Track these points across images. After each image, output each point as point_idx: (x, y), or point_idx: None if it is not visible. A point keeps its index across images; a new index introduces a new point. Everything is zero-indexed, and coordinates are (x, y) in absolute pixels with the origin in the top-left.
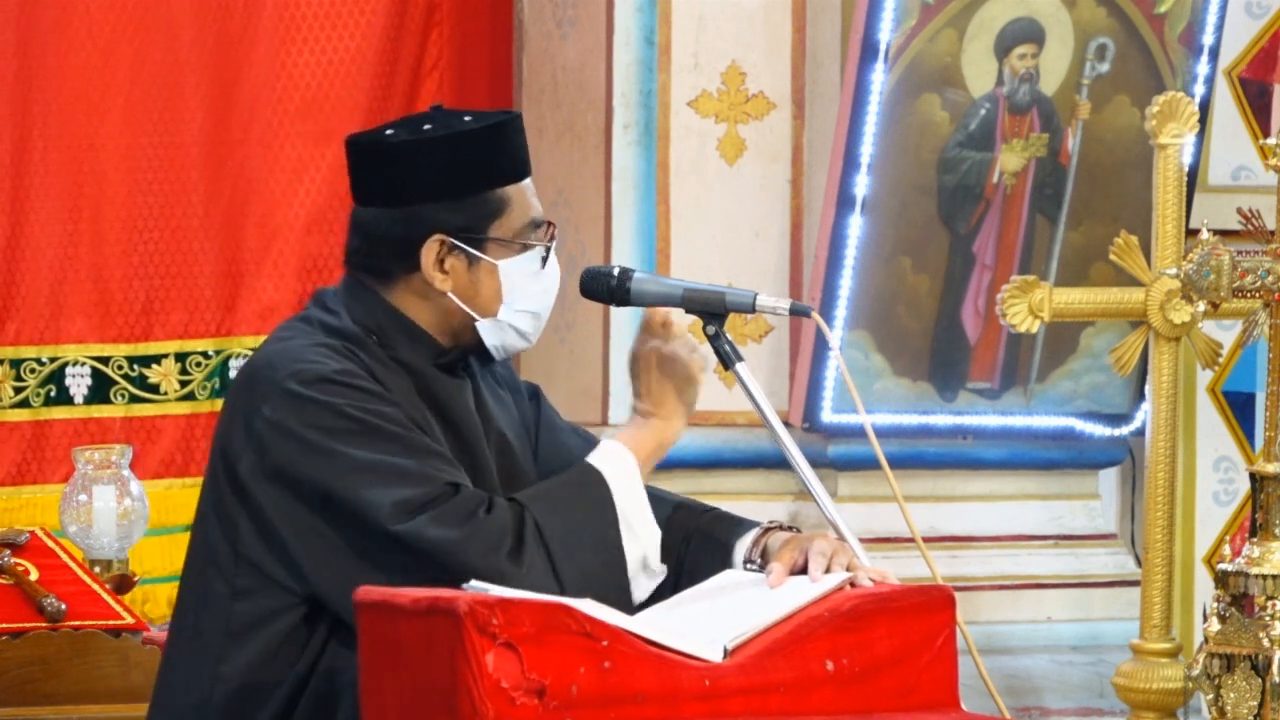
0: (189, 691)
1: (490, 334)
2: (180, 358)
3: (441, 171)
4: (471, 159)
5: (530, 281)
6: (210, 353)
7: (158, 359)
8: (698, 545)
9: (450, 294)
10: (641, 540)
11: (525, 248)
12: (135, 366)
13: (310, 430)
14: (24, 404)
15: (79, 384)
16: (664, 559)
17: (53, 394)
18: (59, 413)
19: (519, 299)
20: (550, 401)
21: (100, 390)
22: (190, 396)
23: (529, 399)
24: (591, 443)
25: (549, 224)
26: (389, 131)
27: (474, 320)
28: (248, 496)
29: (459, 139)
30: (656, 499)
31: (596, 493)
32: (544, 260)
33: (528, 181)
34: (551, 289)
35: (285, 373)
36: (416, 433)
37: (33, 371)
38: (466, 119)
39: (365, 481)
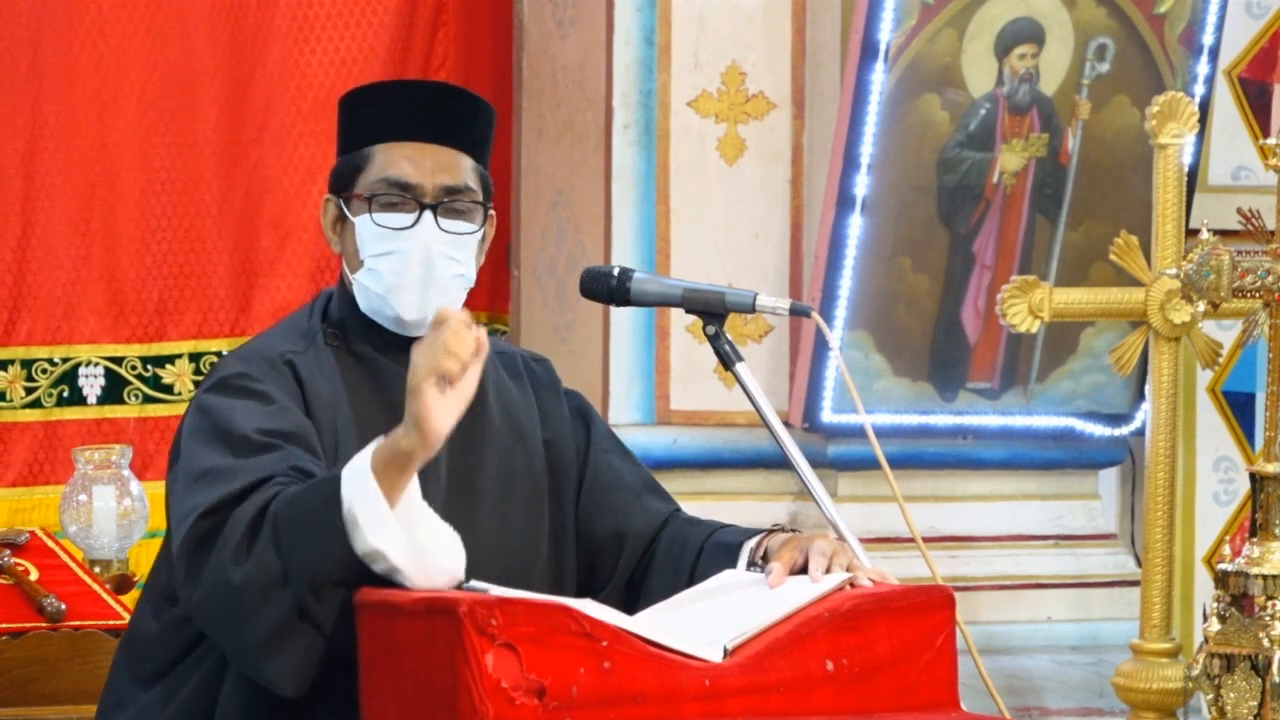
0: (114, 692)
1: (360, 295)
2: (194, 358)
3: (340, 132)
4: (350, 118)
5: (377, 239)
6: (224, 353)
7: (171, 359)
8: (709, 556)
9: (343, 256)
10: (368, 539)
11: (378, 205)
12: (149, 367)
13: (184, 432)
14: (35, 404)
15: (92, 384)
16: (679, 573)
17: (65, 394)
18: (71, 413)
19: (367, 256)
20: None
21: (113, 391)
22: None
23: (573, 414)
24: (635, 464)
25: (456, 191)
26: None
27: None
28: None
29: (345, 100)
30: (681, 520)
31: (329, 492)
32: (414, 222)
33: (410, 145)
34: (402, 252)
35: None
36: (274, 436)
37: (44, 372)
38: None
39: (182, 487)
